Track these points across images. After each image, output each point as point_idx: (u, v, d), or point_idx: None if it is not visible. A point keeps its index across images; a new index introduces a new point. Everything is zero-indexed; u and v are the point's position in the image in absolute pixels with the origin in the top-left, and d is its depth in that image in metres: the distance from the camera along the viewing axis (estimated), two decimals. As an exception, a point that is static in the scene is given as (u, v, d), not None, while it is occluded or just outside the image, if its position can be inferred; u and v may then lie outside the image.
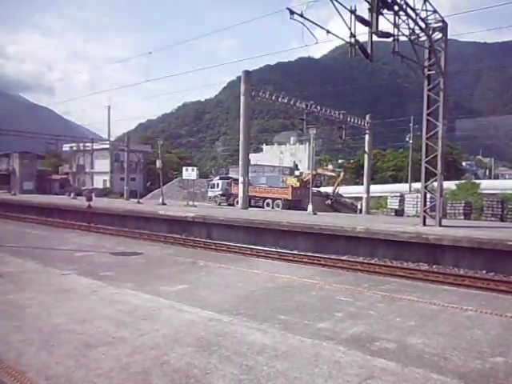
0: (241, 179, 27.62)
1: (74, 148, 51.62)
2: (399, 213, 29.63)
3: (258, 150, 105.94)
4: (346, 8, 13.51)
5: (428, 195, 19.85)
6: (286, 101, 30.21)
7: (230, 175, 48.55)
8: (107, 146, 55.67)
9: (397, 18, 15.24)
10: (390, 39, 15.47)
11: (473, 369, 4.31)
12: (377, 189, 49.28)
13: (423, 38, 17.21)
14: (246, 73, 27.29)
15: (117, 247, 12.34)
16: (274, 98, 29.45)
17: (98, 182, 58.51)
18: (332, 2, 12.98)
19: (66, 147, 58.05)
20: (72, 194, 41.11)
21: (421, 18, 16.23)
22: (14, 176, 59.09)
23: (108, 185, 58.18)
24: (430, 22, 16.93)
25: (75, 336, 4.93)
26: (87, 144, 50.83)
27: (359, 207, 37.93)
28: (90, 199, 23.19)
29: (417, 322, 5.74)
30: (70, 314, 5.80)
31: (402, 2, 14.86)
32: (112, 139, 62.44)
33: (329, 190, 42.70)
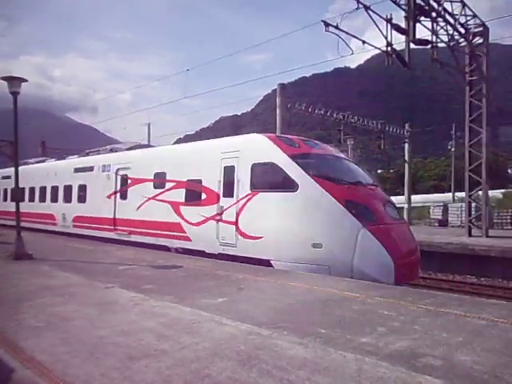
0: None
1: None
2: (443, 223, 28.70)
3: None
4: (381, 17, 13.42)
5: (473, 204, 19.15)
6: (322, 112, 30.10)
7: None
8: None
9: (435, 24, 14.98)
10: (429, 46, 15.21)
11: (527, 388, 4.06)
12: (418, 199, 47.93)
13: (463, 43, 16.81)
14: (281, 86, 27.42)
15: (157, 260, 12.55)
16: (310, 109, 29.43)
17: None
18: (367, 12, 12.92)
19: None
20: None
21: (460, 24, 15.88)
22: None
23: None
24: (469, 27, 16.52)
25: (119, 348, 5.03)
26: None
27: None
28: None
29: (464, 338, 5.48)
30: (114, 326, 5.93)
31: (440, 9, 14.62)
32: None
33: None
